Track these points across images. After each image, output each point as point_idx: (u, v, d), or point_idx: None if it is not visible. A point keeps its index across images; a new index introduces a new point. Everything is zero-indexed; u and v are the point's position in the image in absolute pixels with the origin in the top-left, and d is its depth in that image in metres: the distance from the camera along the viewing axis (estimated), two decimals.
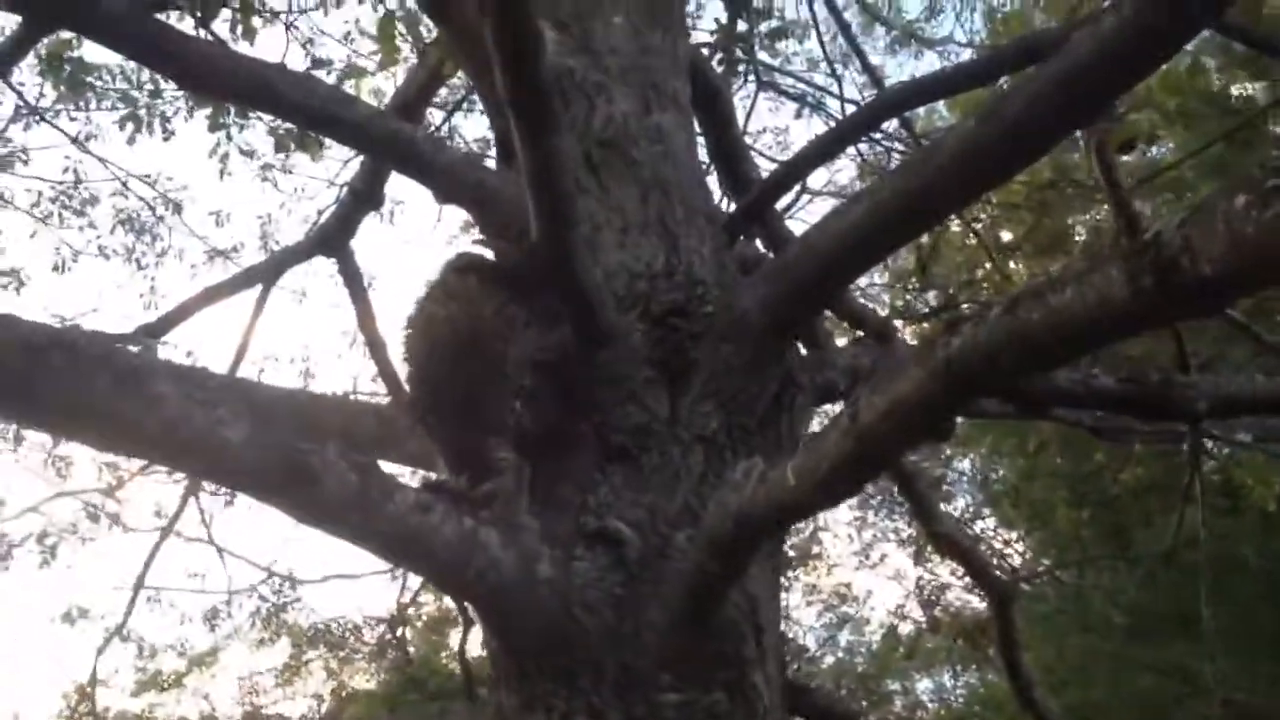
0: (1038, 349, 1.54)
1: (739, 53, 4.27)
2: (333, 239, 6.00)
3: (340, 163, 6.92)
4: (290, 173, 8.19)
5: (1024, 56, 3.36)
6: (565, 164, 2.67)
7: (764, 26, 4.10)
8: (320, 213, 7.03)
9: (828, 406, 3.48)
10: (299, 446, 2.40)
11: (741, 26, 4.08)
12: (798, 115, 6.94)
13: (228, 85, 3.29)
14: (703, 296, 2.98)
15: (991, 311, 1.59)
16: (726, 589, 2.52)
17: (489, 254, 3.14)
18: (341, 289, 6.04)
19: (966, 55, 10.56)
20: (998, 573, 5.48)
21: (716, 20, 4.25)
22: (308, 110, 3.24)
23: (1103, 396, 3.04)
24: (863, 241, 2.80)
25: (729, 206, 4.95)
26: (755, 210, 3.71)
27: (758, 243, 4.01)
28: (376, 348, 6.01)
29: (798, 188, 6.17)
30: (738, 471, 2.31)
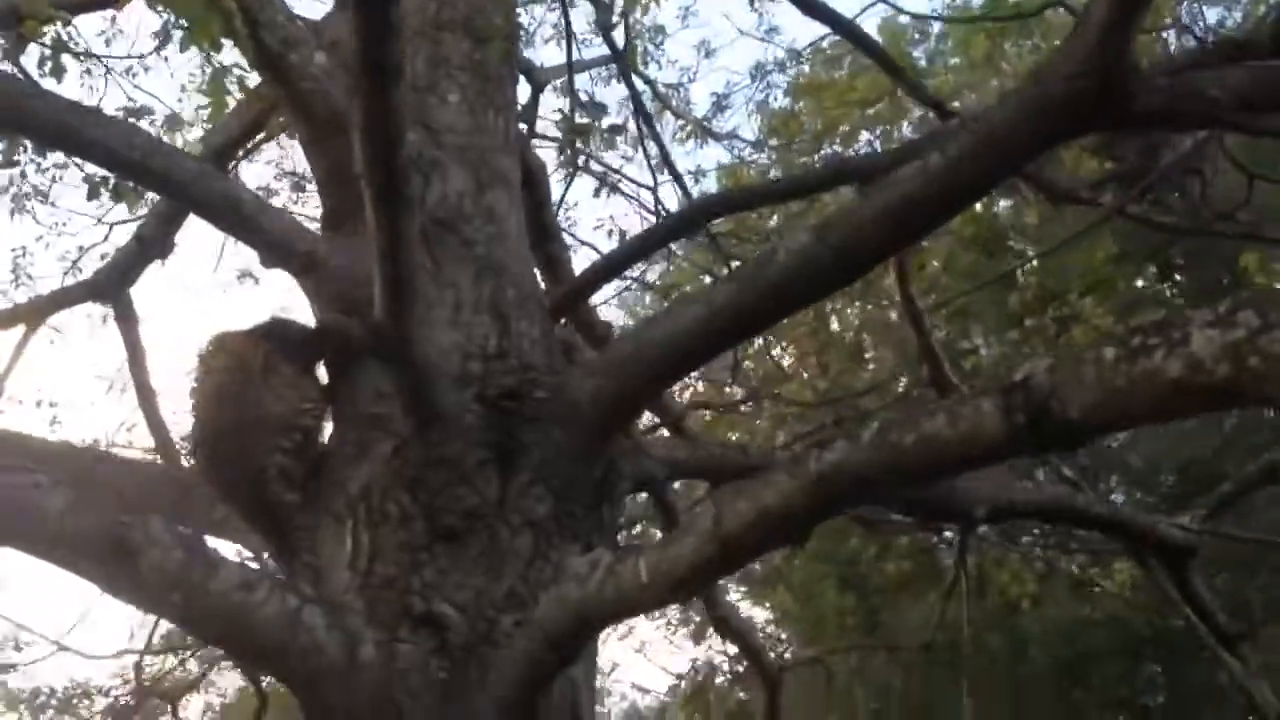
0: (908, 471, 1.67)
1: (576, 144, 4.38)
2: (110, 286, 5.68)
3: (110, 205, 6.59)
4: (54, 205, 7.67)
5: (834, 178, 3.63)
6: (414, 244, 2.67)
7: (603, 122, 4.23)
8: (81, 249, 6.74)
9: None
10: (121, 519, 2.30)
11: (580, 119, 4.20)
12: (595, 195, 7.11)
13: (36, 127, 3.12)
14: (535, 381, 3.01)
15: (865, 431, 1.70)
16: (554, 677, 2.54)
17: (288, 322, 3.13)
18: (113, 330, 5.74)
19: (749, 152, 11.26)
20: (771, 657, 5.69)
21: (560, 112, 4.34)
22: (126, 161, 3.10)
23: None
24: (694, 344, 2.88)
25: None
26: (577, 297, 3.81)
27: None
28: (148, 397, 5.71)
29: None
30: (581, 563, 2.34)
